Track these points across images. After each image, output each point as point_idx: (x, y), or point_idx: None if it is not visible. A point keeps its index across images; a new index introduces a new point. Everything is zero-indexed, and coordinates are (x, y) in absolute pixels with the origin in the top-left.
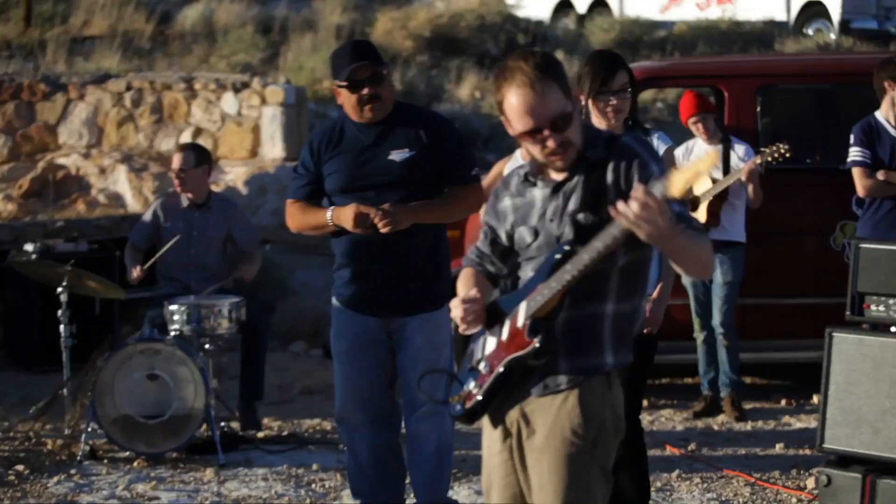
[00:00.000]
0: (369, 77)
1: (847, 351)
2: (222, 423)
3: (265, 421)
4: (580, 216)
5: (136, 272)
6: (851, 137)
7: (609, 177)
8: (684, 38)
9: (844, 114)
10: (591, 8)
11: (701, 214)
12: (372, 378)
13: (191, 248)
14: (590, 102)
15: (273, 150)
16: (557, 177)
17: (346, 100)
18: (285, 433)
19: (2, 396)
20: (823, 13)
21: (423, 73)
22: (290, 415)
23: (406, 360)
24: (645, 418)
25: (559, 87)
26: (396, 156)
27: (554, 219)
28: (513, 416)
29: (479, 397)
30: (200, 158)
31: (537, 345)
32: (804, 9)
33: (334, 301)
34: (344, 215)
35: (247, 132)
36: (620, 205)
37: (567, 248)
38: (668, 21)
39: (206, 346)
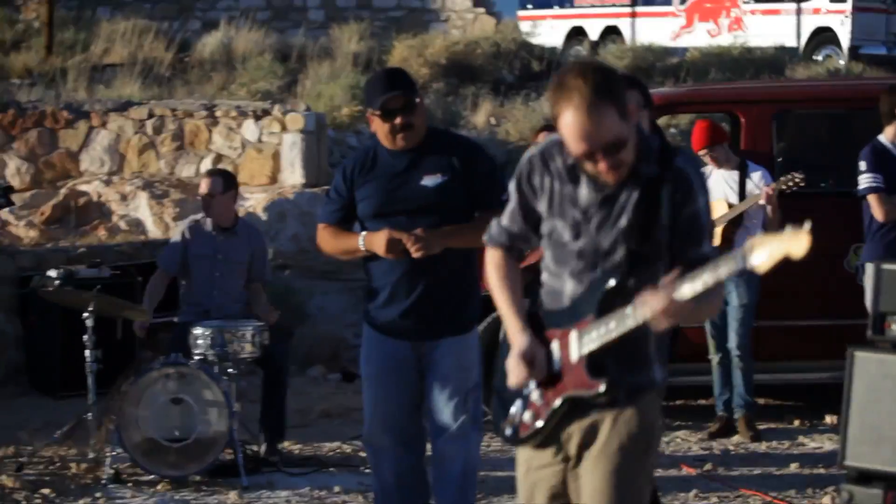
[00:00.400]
0: (402, 107)
1: (868, 370)
2: (245, 447)
3: (285, 444)
4: (634, 243)
5: (141, 332)
6: (861, 164)
7: (664, 201)
8: (697, 65)
9: (858, 138)
10: (604, 35)
11: (716, 239)
12: (401, 401)
13: (214, 272)
14: None
15: (293, 176)
16: (608, 183)
17: (380, 128)
18: (306, 456)
19: (25, 421)
20: (833, 39)
21: (439, 100)
22: (311, 438)
23: (434, 382)
24: (661, 440)
25: (616, 109)
26: (429, 181)
27: (603, 230)
28: (568, 432)
29: (539, 426)
30: (228, 184)
31: (602, 390)
32: (814, 35)
33: (365, 325)
34: (376, 240)
35: (267, 159)
36: (647, 298)
37: (617, 279)
38: (680, 47)
39: (230, 369)
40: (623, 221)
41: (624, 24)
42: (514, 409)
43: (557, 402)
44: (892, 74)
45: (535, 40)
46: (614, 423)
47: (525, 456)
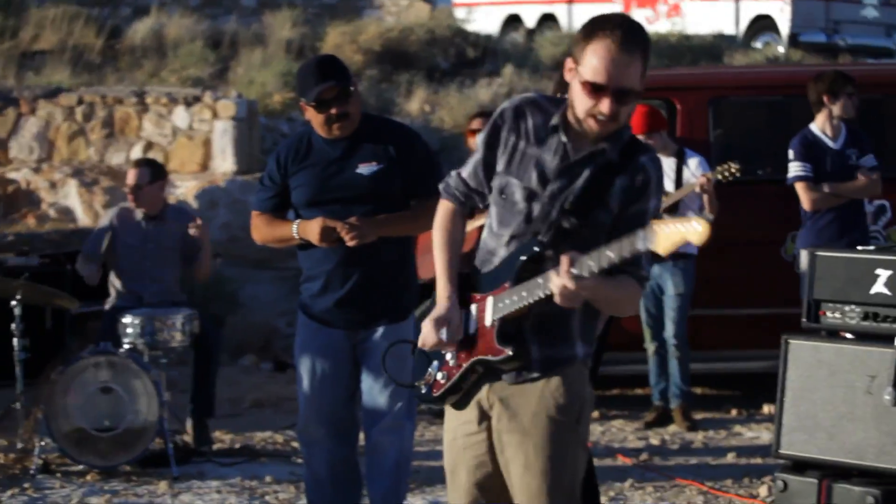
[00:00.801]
0: (336, 96)
1: (803, 358)
2: (175, 437)
3: (217, 434)
4: (570, 217)
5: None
6: (790, 152)
7: (615, 188)
8: None
9: (795, 126)
10: (541, 22)
11: None
12: (336, 391)
13: (145, 261)
14: None
15: (224, 163)
16: (575, 151)
17: (314, 118)
18: (237, 446)
19: None
20: (772, 27)
21: (372, 86)
22: (242, 428)
23: (369, 372)
24: (596, 429)
25: (642, 63)
26: (364, 169)
27: (556, 200)
28: (490, 400)
29: (448, 387)
30: (156, 174)
31: (510, 354)
32: (753, 22)
33: (300, 314)
34: (310, 229)
35: (198, 146)
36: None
37: (537, 249)
38: None
39: (160, 358)
40: (570, 198)
41: (561, 11)
42: (430, 369)
43: (467, 364)
44: (831, 61)
45: (470, 27)
46: (541, 394)
47: (451, 424)
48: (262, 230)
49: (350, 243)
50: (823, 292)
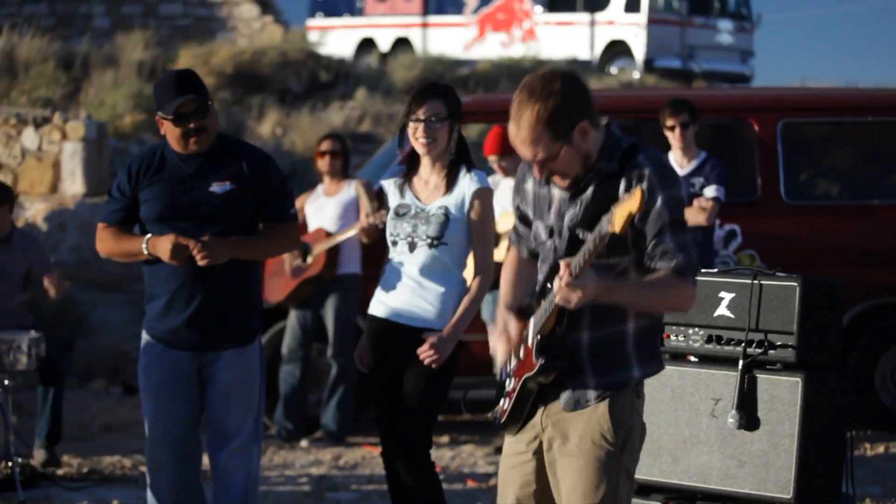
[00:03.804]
0: (195, 110)
1: (646, 381)
2: (21, 460)
3: (65, 458)
4: (578, 231)
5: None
6: None
7: (620, 192)
8: (487, 76)
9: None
10: (395, 45)
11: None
12: (181, 414)
13: None
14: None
15: (73, 185)
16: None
17: (170, 132)
18: (85, 470)
19: None
20: (627, 52)
21: (224, 109)
22: (90, 452)
23: (215, 395)
24: (446, 454)
25: (551, 134)
26: (217, 188)
27: (572, 227)
28: (543, 423)
29: (508, 412)
30: (2, 198)
31: (540, 364)
32: (608, 47)
33: (144, 334)
34: (161, 245)
35: (47, 168)
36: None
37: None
38: (471, 59)
39: (5, 381)
40: (587, 218)
41: (415, 35)
42: (501, 401)
43: (517, 386)
44: (685, 86)
45: (323, 50)
46: (589, 419)
47: (506, 443)
48: (108, 243)
49: (201, 262)
50: (667, 316)
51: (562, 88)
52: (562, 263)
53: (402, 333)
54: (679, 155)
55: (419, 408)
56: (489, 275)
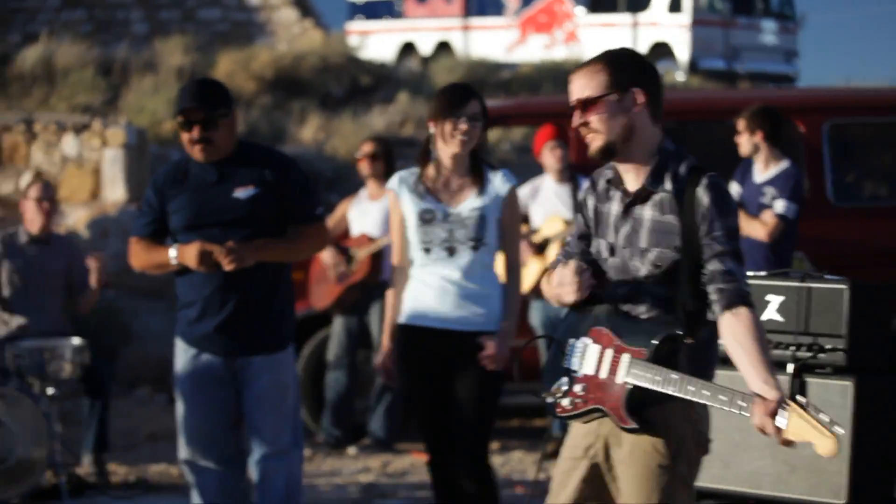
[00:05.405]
0: (201, 120)
1: None
2: (68, 469)
3: (111, 467)
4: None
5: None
6: (787, 188)
7: (677, 216)
8: (530, 79)
9: (692, 152)
10: (437, 48)
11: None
12: (217, 418)
13: (29, 288)
14: (436, 126)
15: (115, 192)
16: (629, 186)
17: (182, 136)
18: (132, 479)
19: None
20: (670, 53)
21: (265, 114)
22: (137, 460)
23: (251, 401)
24: (496, 460)
25: (608, 76)
26: (241, 193)
27: (627, 247)
28: (601, 430)
29: (570, 416)
30: (54, 192)
31: (634, 427)
32: (651, 49)
33: (178, 340)
34: (188, 253)
35: (88, 175)
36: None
37: (674, 333)
38: (513, 62)
39: (49, 390)
40: (643, 242)
41: (456, 38)
42: (560, 385)
43: (591, 407)
44: (730, 87)
45: (364, 54)
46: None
47: (566, 442)
48: (140, 256)
49: (228, 267)
50: None
51: (635, 54)
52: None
53: (450, 340)
54: (761, 162)
55: (478, 415)
56: (520, 272)
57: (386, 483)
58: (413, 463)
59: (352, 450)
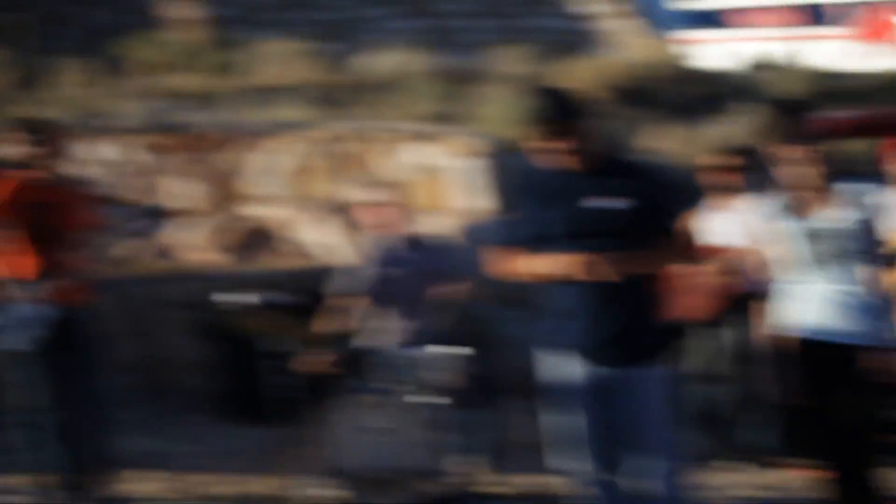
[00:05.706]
0: (558, 130)
1: None
2: (459, 478)
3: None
4: None
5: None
6: None
7: None
8: (877, 89)
9: None
10: (773, 58)
11: None
12: (603, 431)
13: (413, 292)
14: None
15: (464, 201)
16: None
17: (546, 145)
18: (530, 488)
19: (208, 449)
20: None
21: (621, 124)
22: (514, 469)
23: (626, 413)
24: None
25: None
26: (612, 204)
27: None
28: None
29: None
30: (406, 199)
31: None
32: None
33: (551, 350)
34: (572, 263)
35: (435, 183)
36: None
37: None
38: (856, 72)
39: (436, 398)
40: None
41: (793, 47)
42: None
43: None
44: None
45: (700, 63)
46: None
47: None
48: (513, 264)
49: (613, 278)
50: None
51: None
52: None
53: (839, 353)
54: None
55: (864, 430)
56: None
57: (762, 498)
58: (792, 479)
59: (726, 464)
